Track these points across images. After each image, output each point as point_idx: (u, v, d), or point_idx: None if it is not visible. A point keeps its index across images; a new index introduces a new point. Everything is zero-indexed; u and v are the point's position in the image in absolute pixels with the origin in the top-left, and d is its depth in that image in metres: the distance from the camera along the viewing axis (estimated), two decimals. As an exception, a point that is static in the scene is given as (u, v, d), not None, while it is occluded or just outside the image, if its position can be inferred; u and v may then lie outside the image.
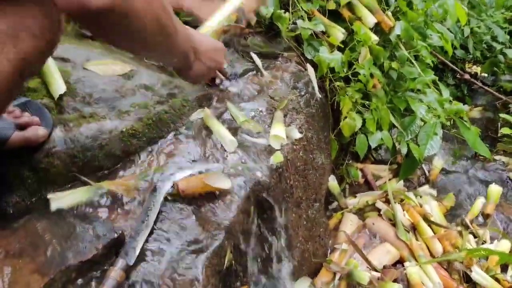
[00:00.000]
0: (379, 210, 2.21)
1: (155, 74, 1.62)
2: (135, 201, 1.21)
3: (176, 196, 1.24)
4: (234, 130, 1.55)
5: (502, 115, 2.89)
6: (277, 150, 1.54)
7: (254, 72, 1.90)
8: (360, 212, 2.22)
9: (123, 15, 0.76)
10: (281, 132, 1.55)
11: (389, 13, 2.17)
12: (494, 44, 3.61)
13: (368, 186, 2.48)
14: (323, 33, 2.07)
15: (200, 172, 1.33)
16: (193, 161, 1.38)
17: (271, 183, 1.44)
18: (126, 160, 1.40)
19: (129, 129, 1.40)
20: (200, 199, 1.26)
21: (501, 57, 3.60)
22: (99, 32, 0.86)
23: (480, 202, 2.40)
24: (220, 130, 1.48)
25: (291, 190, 1.62)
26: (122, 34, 0.84)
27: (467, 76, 3.16)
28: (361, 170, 2.52)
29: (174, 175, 1.29)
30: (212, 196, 1.28)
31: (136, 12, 0.78)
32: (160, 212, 1.17)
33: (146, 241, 1.09)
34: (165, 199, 1.21)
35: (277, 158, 1.50)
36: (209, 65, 1.32)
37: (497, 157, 2.96)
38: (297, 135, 1.68)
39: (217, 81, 1.75)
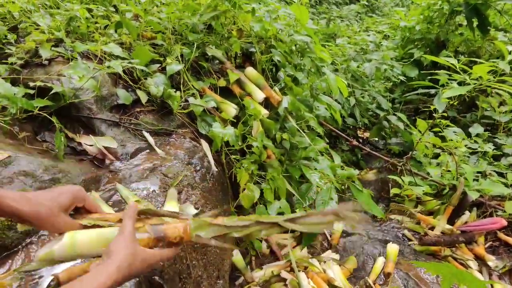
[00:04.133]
0: (285, 280, 2.19)
1: (37, 159, 1.53)
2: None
3: (58, 290, 1.13)
4: (125, 212, 1.48)
5: (391, 176, 3.11)
6: (171, 229, 1.49)
7: (147, 150, 1.87)
8: (267, 284, 2.19)
9: None
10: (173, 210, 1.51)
11: (276, 89, 2.30)
12: (378, 111, 3.96)
13: (274, 255, 2.48)
14: (216, 109, 2.13)
15: (83, 261, 1.24)
16: (76, 249, 1.28)
17: (164, 266, 1.38)
18: (2, 256, 1.27)
19: (4, 221, 1.28)
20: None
21: (385, 123, 3.94)
22: None
23: (380, 261, 2.49)
24: (107, 214, 1.40)
25: (188, 270, 1.55)
26: None
27: (355, 142, 3.39)
28: (266, 240, 2.52)
29: (54, 267, 1.19)
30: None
31: None
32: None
33: None
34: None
35: (170, 238, 1.44)
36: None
37: (392, 216, 3.14)
38: (192, 211, 1.65)
39: (107, 161, 1.70)
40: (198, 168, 1.90)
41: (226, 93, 2.25)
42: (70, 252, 0.94)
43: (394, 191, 3.00)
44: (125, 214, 0.96)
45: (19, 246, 1.30)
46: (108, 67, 1.82)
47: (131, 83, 2.05)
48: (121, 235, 0.91)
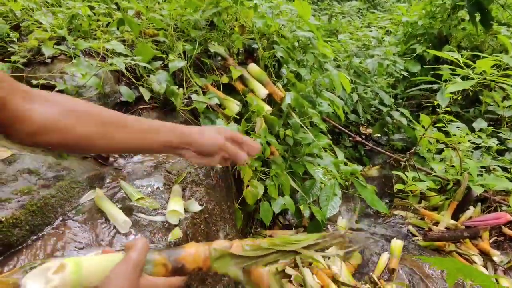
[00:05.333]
0: (289, 276, 2.19)
1: (40, 157, 1.53)
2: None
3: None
4: (129, 209, 1.48)
5: (395, 172, 3.10)
6: (175, 226, 1.49)
7: (151, 147, 1.87)
8: (271, 281, 2.18)
9: None
10: (178, 207, 1.51)
11: (279, 85, 2.30)
12: (381, 107, 3.95)
13: (278, 252, 2.47)
14: (219, 105, 2.12)
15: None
16: (81, 248, 1.29)
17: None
18: (7, 254, 1.27)
19: (9, 218, 1.28)
20: (91, 288, 1.16)
21: (388, 118, 3.93)
22: None
23: (385, 257, 2.49)
24: (112, 211, 1.40)
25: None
26: None
27: (358, 138, 3.38)
28: (270, 236, 2.51)
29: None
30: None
31: None
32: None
33: None
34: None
35: (175, 235, 1.45)
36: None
37: (396, 212, 3.13)
38: (197, 208, 1.65)
39: (110, 159, 1.70)
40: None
41: (229, 89, 2.25)
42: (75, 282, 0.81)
43: (397, 186, 2.99)
44: (135, 246, 0.83)
45: (24, 244, 1.30)
46: (111, 64, 1.82)
47: (133, 80, 2.04)
48: (123, 263, 0.78)
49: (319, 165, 2.36)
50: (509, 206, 2.66)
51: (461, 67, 2.47)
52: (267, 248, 0.93)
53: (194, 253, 0.90)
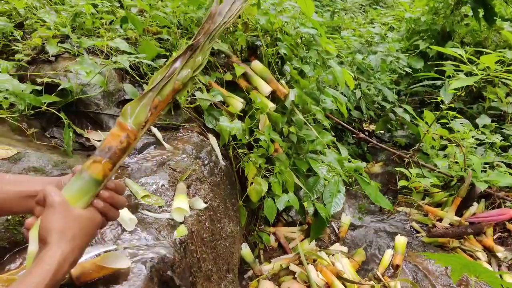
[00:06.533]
0: (294, 273, 2.20)
1: (46, 155, 1.54)
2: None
3: (71, 285, 1.14)
4: (135, 207, 1.49)
5: (398, 169, 3.10)
6: (181, 223, 1.50)
7: (155, 145, 1.87)
8: (276, 277, 2.19)
9: None
10: (183, 204, 1.51)
11: (283, 82, 2.30)
12: (384, 103, 3.94)
13: (282, 249, 2.48)
14: (223, 103, 2.12)
15: (97, 255, 1.24)
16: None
17: (175, 259, 1.38)
18: (13, 252, 1.28)
19: (15, 216, 1.29)
20: (99, 285, 1.17)
21: (391, 115, 3.92)
22: None
23: (389, 254, 2.49)
24: (118, 209, 1.40)
25: (199, 264, 1.56)
26: None
27: (361, 135, 3.38)
28: (274, 233, 2.52)
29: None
30: (112, 279, 1.19)
31: None
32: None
33: None
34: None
35: (180, 232, 1.45)
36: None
37: (400, 209, 3.13)
38: (201, 205, 1.65)
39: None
40: (206, 162, 1.90)
41: (232, 87, 2.25)
42: None
43: (401, 183, 3.00)
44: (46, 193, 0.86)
45: (31, 242, 1.30)
46: (115, 62, 1.82)
47: (137, 78, 2.05)
48: (50, 208, 0.83)
49: (322, 162, 2.36)
50: (513, 202, 2.66)
51: (464, 63, 2.47)
52: (160, 73, 0.98)
53: (109, 132, 0.93)
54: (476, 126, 3.36)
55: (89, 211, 0.90)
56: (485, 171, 2.86)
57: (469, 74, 2.53)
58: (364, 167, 2.48)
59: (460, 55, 2.43)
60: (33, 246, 0.85)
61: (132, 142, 0.94)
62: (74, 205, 0.88)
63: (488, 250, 2.58)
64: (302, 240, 2.51)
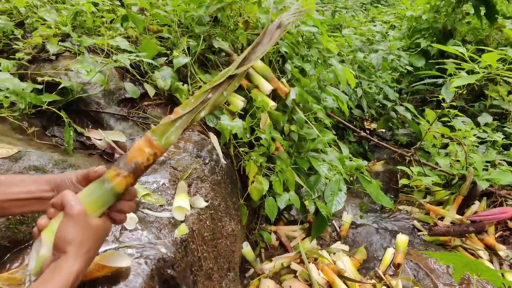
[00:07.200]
0: (295, 271, 2.20)
1: (46, 154, 1.53)
2: (22, 296, 1.09)
3: (71, 284, 1.13)
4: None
5: (400, 167, 3.10)
6: (182, 222, 1.50)
7: (156, 143, 1.87)
8: (277, 276, 2.19)
9: None
10: (184, 203, 1.51)
11: (284, 80, 2.29)
12: (385, 102, 3.94)
13: (283, 247, 2.48)
14: (223, 101, 2.12)
15: (98, 254, 1.24)
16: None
17: (176, 258, 1.38)
18: (14, 251, 1.28)
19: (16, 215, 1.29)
20: (100, 283, 1.16)
21: (393, 113, 3.92)
22: None
23: (390, 252, 2.49)
24: (118, 207, 1.40)
25: (199, 263, 1.55)
26: None
27: (363, 134, 3.37)
28: (275, 232, 2.52)
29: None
30: (113, 278, 1.19)
31: None
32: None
33: None
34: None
35: (181, 231, 1.45)
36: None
37: (401, 207, 3.13)
38: (202, 204, 1.65)
39: (116, 155, 1.70)
40: (207, 161, 1.90)
41: (233, 85, 2.24)
42: None
43: (403, 181, 2.99)
44: (65, 199, 0.86)
45: (31, 241, 1.31)
46: (116, 61, 1.81)
47: (138, 77, 2.04)
48: (70, 218, 0.84)
49: (324, 160, 2.35)
50: (515, 200, 2.65)
51: (466, 61, 2.46)
52: (197, 97, 0.98)
53: (136, 146, 0.92)
54: (477, 125, 3.35)
55: (103, 221, 0.91)
56: (486, 170, 2.86)
57: (470, 72, 2.52)
58: (365, 166, 2.48)
59: (461, 53, 2.42)
60: (44, 249, 0.85)
61: (156, 160, 0.95)
62: (92, 214, 0.88)
63: (490, 249, 2.58)
64: (303, 239, 2.51)
